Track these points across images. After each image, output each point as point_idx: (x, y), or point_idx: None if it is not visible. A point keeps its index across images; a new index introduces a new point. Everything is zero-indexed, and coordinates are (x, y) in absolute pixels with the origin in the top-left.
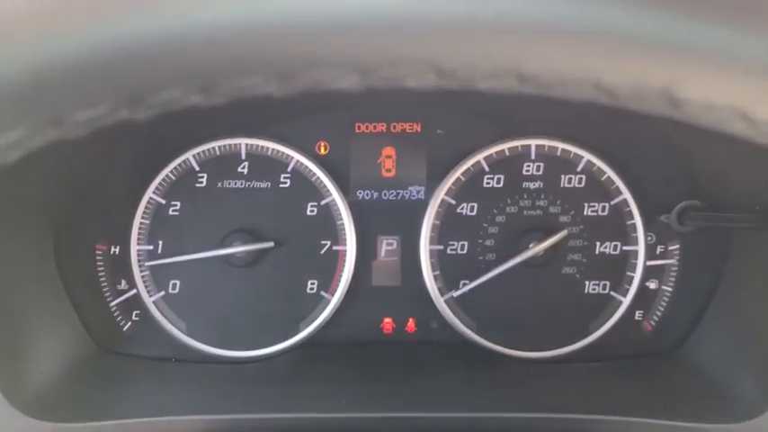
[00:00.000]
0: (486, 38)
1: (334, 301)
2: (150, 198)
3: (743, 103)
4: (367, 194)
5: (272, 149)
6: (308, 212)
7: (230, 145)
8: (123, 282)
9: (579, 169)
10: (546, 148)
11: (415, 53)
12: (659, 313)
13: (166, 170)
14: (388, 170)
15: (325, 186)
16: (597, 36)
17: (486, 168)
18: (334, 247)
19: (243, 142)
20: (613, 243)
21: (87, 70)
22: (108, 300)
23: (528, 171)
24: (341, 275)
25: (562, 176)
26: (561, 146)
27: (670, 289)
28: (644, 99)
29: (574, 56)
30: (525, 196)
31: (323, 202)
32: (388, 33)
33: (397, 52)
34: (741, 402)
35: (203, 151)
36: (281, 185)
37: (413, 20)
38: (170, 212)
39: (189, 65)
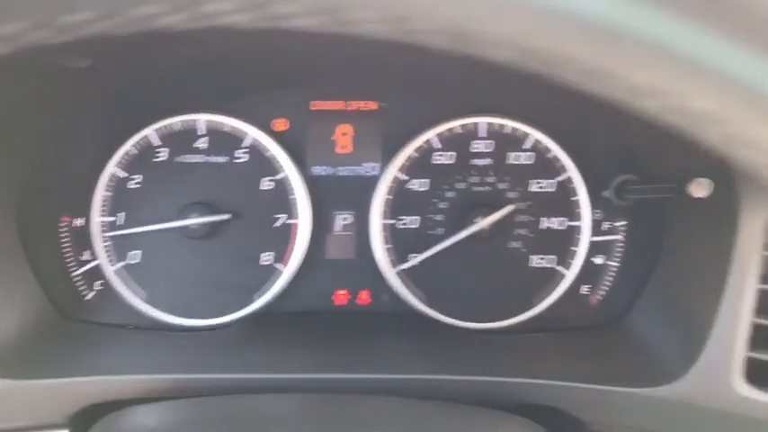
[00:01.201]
0: None
1: (288, 272)
2: (112, 171)
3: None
4: (323, 170)
5: (230, 125)
6: (264, 187)
7: (190, 120)
8: (86, 253)
9: (527, 147)
10: (496, 126)
11: None
12: (605, 288)
13: (128, 144)
14: (344, 147)
15: (279, 162)
16: None
17: (439, 145)
18: (289, 221)
19: (202, 118)
20: (559, 219)
21: None
22: (71, 270)
23: (478, 148)
24: (294, 248)
25: (511, 154)
26: (511, 124)
27: (616, 264)
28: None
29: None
30: (474, 173)
31: (278, 177)
32: None
33: None
34: (667, 367)
35: (164, 126)
36: (238, 160)
37: None
38: (131, 185)
39: None
